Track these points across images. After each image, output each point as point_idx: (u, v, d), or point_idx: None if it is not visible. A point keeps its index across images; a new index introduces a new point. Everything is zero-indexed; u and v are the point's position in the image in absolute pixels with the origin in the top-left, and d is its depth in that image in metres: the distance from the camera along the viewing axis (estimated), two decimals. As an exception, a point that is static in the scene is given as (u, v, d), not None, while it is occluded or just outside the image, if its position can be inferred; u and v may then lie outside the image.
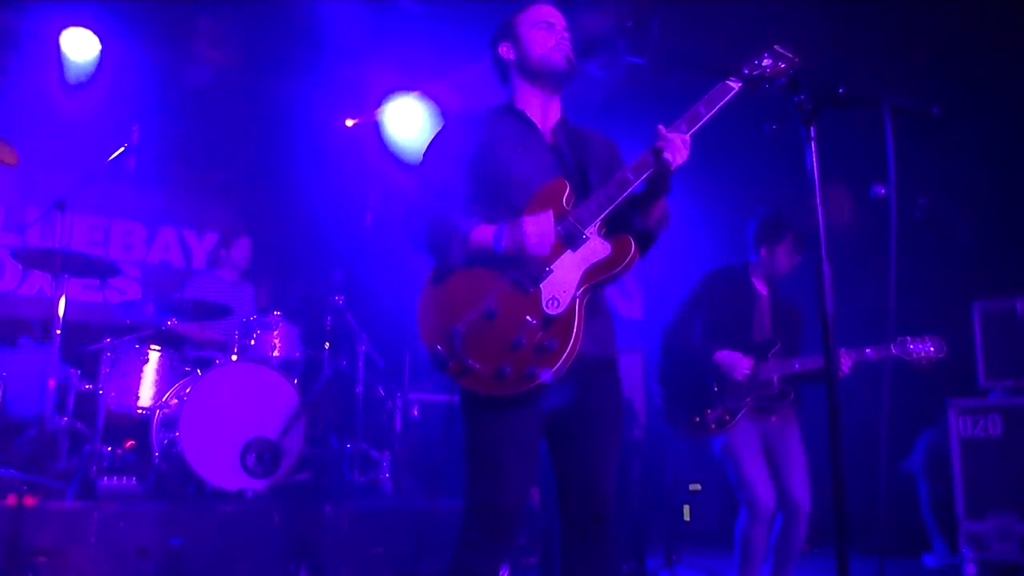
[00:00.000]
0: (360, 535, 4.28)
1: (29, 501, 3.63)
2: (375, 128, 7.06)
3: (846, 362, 3.56)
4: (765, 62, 2.16)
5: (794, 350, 3.81)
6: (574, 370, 2.20)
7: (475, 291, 2.23)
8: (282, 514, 4.11)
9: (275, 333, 5.09)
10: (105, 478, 4.21)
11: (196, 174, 6.73)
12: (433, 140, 2.46)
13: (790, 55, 2.13)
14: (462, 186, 2.36)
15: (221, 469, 4.42)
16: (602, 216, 2.24)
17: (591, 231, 2.23)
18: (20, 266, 5.79)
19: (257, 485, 4.47)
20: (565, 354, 2.14)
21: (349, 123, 7.04)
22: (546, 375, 2.14)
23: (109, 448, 4.58)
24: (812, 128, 2.02)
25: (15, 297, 6.14)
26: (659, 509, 6.32)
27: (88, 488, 4.20)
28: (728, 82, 2.20)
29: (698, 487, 6.41)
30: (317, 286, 5.58)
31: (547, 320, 2.17)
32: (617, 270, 2.20)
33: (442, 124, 2.48)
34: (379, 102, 7.04)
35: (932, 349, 3.57)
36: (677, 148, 2.19)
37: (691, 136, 2.21)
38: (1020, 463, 4.61)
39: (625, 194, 2.24)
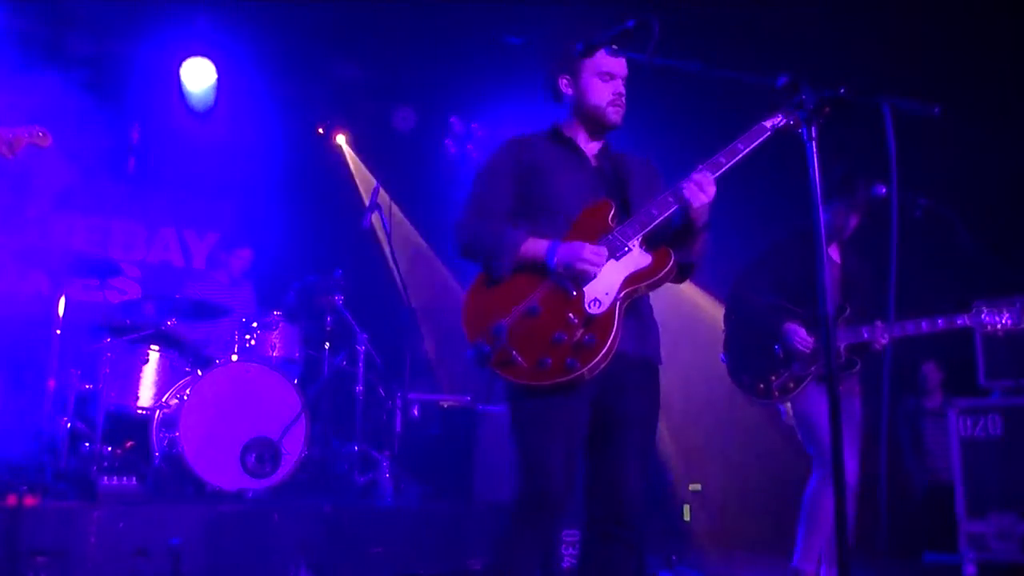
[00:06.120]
0: (360, 535, 4.28)
1: (29, 501, 3.62)
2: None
3: (925, 327, 3.54)
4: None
5: (863, 319, 3.71)
6: (613, 369, 2.32)
7: (520, 291, 2.37)
8: (282, 514, 4.11)
9: (275, 333, 5.09)
10: (105, 478, 4.20)
11: (196, 174, 6.73)
12: (486, 160, 2.62)
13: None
14: (510, 202, 2.52)
15: (221, 469, 4.42)
16: (644, 232, 2.40)
17: (633, 244, 2.39)
18: (20, 266, 5.79)
19: (257, 485, 4.46)
20: (604, 350, 2.27)
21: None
22: (585, 367, 2.26)
23: (109, 448, 4.57)
24: (813, 128, 2.03)
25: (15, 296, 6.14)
26: (659, 509, 6.33)
27: (88, 488, 4.20)
28: (764, 123, 2.38)
29: (698, 487, 6.41)
30: (317, 286, 5.57)
31: (588, 319, 2.31)
32: (656, 279, 2.37)
33: (497, 146, 2.63)
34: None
35: (1009, 320, 3.50)
36: (693, 192, 2.35)
37: (716, 177, 2.38)
38: (1020, 463, 4.60)
39: (666, 214, 2.40)
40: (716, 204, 2.48)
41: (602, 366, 2.28)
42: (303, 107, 7.11)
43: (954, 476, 4.77)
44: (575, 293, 2.34)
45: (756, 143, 2.40)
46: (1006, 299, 3.62)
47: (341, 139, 7.45)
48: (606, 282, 2.36)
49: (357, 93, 7.16)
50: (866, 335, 3.63)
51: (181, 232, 6.92)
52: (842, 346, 3.65)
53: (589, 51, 2.49)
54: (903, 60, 5.34)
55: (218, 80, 6.46)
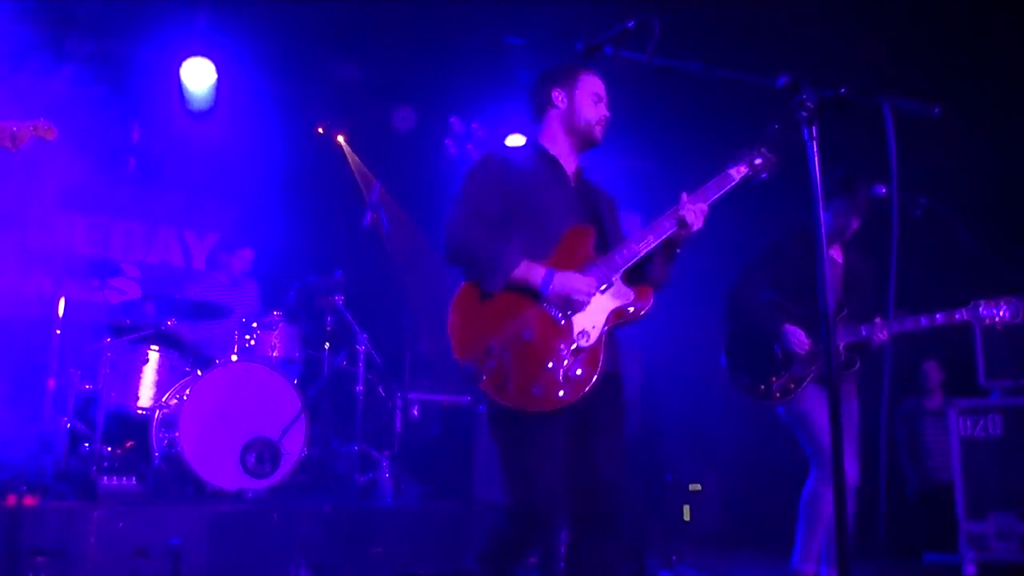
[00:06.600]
0: (360, 535, 4.28)
1: (29, 501, 3.62)
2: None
3: (924, 323, 3.58)
4: (757, 160, 2.69)
5: (863, 318, 3.72)
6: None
7: (511, 312, 2.46)
8: (282, 514, 4.11)
9: (275, 333, 5.09)
10: (105, 478, 4.21)
11: (196, 174, 6.73)
12: (476, 170, 2.67)
13: (774, 158, 2.68)
14: (500, 214, 2.59)
15: (221, 469, 4.42)
16: (626, 267, 2.56)
17: (616, 277, 2.55)
18: (21, 266, 5.79)
19: (257, 485, 4.46)
20: (592, 381, 2.44)
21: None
22: (574, 398, 2.42)
23: (109, 448, 4.58)
24: (814, 128, 2.02)
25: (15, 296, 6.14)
26: (659, 509, 6.32)
27: (88, 488, 4.20)
28: (730, 171, 2.67)
29: (698, 487, 6.41)
30: (317, 286, 5.57)
31: (577, 351, 2.45)
32: (639, 316, 2.55)
33: (483, 156, 2.71)
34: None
35: (1007, 313, 3.52)
36: (696, 216, 2.56)
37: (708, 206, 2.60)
38: (1020, 463, 4.60)
39: (646, 251, 2.57)
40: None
41: (588, 394, 2.43)
42: (303, 107, 7.09)
43: (954, 476, 4.77)
44: (563, 323, 2.46)
45: (725, 190, 2.65)
46: (1005, 297, 3.63)
47: (341, 139, 7.45)
48: (593, 315, 2.49)
49: (357, 93, 7.15)
50: (865, 333, 3.63)
51: (181, 232, 6.91)
52: (841, 345, 3.66)
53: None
54: (903, 60, 5.34)
55: (218, 80, 6.45)
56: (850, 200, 3.79)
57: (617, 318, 2.53)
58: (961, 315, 3.58)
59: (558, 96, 2.74)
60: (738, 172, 2.67)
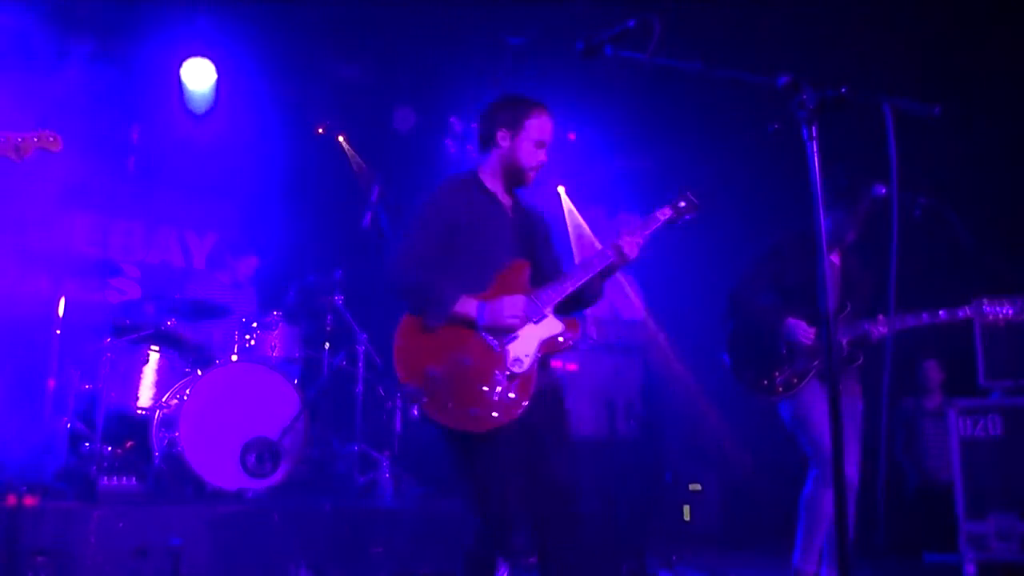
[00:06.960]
0: (360, 535, 4.28)
1: (29, 501, 3.62)
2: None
3: (926, 320, 3.62)
4: (681, 204, 2.94)
5: (863, 315, 3.75)
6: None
7: (451, 341, 2.64)
8: (282, 514, 4.11)
9: (275, 333, 5.09)
10: (105, 478, 4.21)
11: (196, 174, 6.73)
12: (423, 206, 2.80)
13: (696, 202, 2.94)
14: (442, 252, 2.73)
15: (221, 469, 4.42)
16: (558, 300, 2.76)
17: (548, 310, 2.75)
18: (20, 266, 5.79)
19: (257, 485, 4.46)
20: (525, 404, 2.62)
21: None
22: (508, 420, 2.58)
23: (109, 448, 4.58)
24: (814, 128, 2.02)
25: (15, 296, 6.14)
26: (659, 509, 6.32)
27: (88, 488, 4.20)
28: (656, 214, 2.92)
29: (698, 487, 6.41)
30: (317, 286, 5.57)
31: (511, 376, 2.64)
32: (567, 347, 2.77)
33: (431, 192, 2.83)
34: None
35: (1011, 310, 3.54)
36: (632, 248, 2.78)
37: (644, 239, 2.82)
38: (1020, 463, 4.61)
39: (578, 285, 2.77)
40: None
41: (521, 415, 2.59)
42: (303, 107, 7.10)
43: (954, 476, 4.77)
44: (499, 350, 2.64)
45: (651, 229, 2.88)
46: (1007, 297, 3.64)
47: (341, 139, 7.45)
48: (526, 344, 2.68)
49: (357, 93, 7.15)
50: (866, 327, 3.67)
51: (181, 232, 6.91)
52: (844, 341, 3.70)
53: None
54: (903, 60, 5.34)
55: (218, 80, 6.46)
56: (849, 213, 3.82)
57: (548, 348, 2.72)
58: (964, 312, 3.61)
59: (502, 137, 2.82)
60: (663, 215, 2.92)
